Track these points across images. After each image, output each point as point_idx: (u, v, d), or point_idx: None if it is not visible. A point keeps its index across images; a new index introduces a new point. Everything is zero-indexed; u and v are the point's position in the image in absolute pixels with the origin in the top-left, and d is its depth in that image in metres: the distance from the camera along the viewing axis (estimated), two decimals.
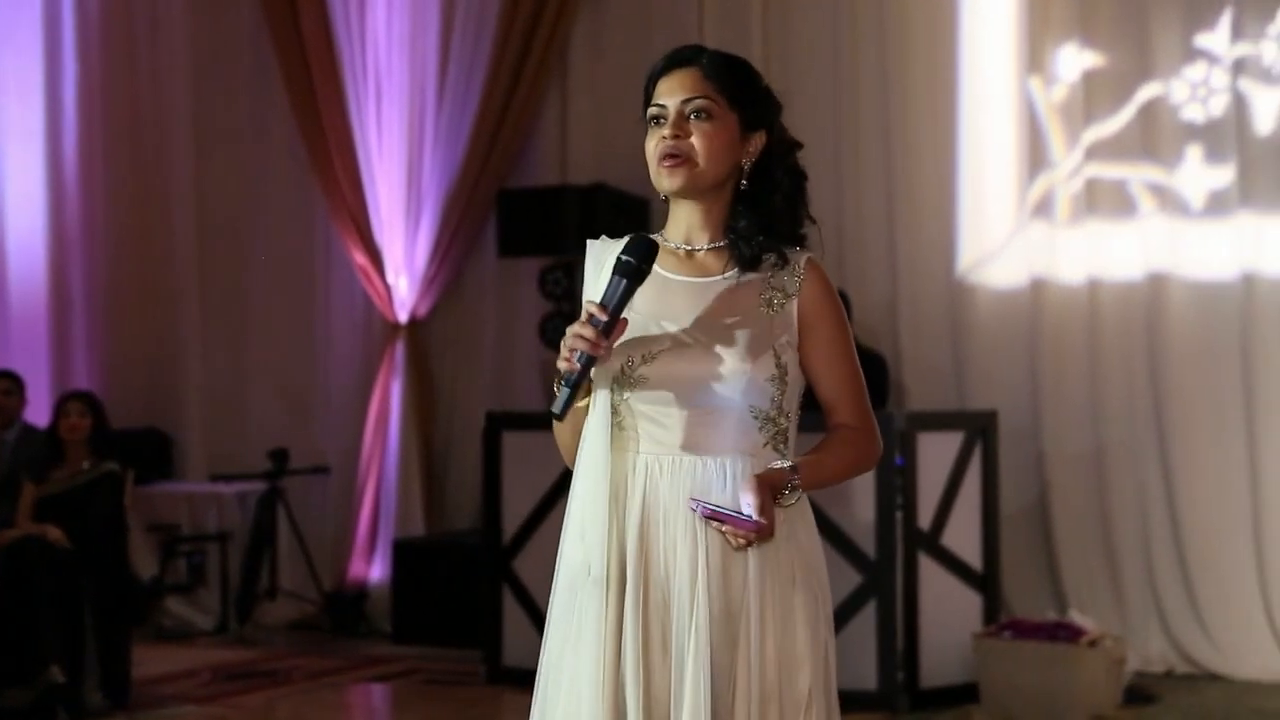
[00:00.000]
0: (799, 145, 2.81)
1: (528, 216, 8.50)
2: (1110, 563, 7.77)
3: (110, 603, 6.88)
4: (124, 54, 9.92)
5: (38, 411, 8.29)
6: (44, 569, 6.63)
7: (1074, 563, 7.82)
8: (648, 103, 2.74)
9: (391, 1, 9.30)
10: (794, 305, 2.73)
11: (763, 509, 2.57)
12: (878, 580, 6.64)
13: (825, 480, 2.75)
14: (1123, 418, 7.79)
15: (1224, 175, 7.63)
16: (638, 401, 2.66)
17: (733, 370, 2.64)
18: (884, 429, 6.55)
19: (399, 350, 9.24)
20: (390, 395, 9.23)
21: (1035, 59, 8.00)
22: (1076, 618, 6.82)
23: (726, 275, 2.73)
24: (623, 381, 2.65)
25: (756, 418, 2.67)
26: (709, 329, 2.66)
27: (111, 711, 6.76)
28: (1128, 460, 7.77)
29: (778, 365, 2.68)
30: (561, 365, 2.58)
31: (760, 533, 2.58)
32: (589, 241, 2.84)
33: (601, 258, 2.77)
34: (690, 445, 2.65)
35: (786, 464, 2.65)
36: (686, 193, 2.72)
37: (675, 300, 2.68)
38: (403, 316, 9.24)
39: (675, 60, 2.73)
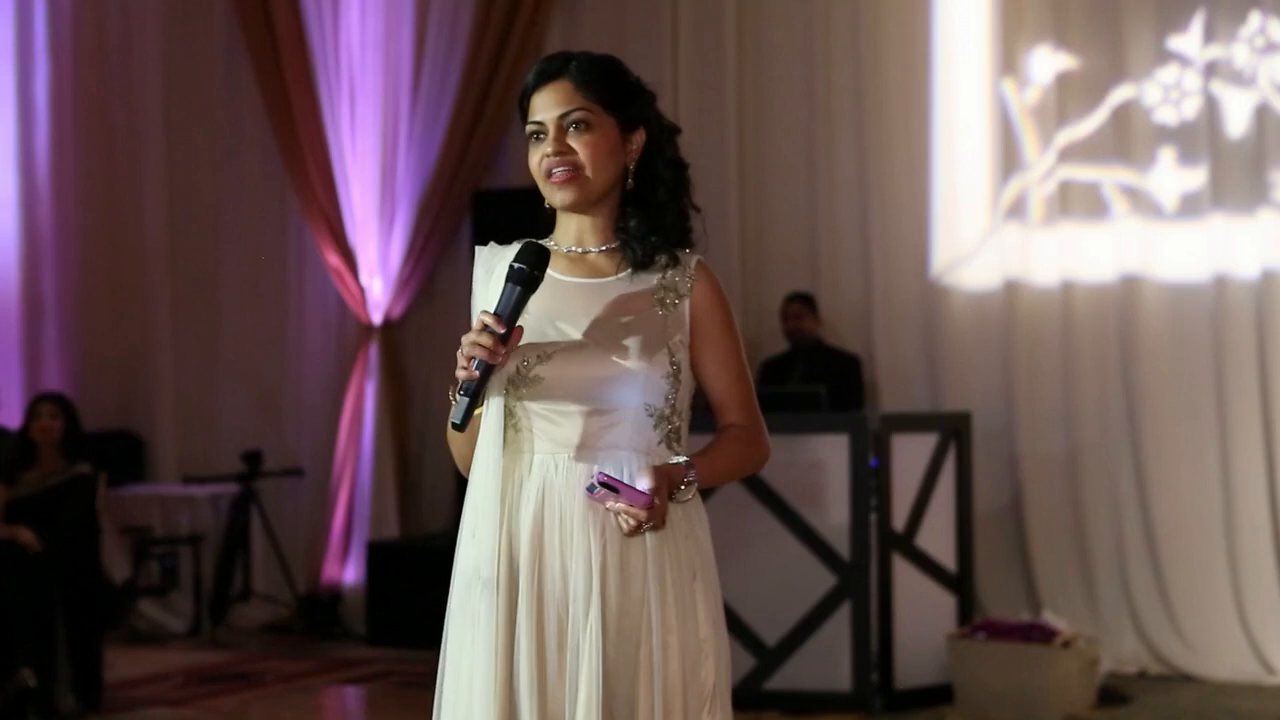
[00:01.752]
0: (677, 130, 2.83)
1: (502, 218, 8.46)
2: (1084, 564, 7.79)
3: (82, 605, 6.84)
4: (96, 55, 9.88)
5: (9, 413, 8.25)
6: (15, 572, 6.60)
7: (1048, 564, 7.84)
8: (523, 117, 2.77)
9: (365, 2, 9.29)
10: (686, 305, 2.75)
11: (657, 493, 2.59)
12: (852, 582, 6.65)
13: (719, 477, 2.78)
14: (1096, 419, 7.82)
15: (1196, 177, 7.67)
16: (533, 402, 2.67)
17: (628, 369, 2.66)
18: (858, 431, 6.64)
19: (373, 352, 9.22)
20: (364, 397, 9.21)
21: (1008, 61, 8.02)
22: (1050, 618, 6.83)
23: (619, 276, 2.75)
24: (518, 382, 2.66)
25: (651, 415, 2.69)
26: (604, 329, 2.68)
27: (83, 715, 6.72)
28: (1101, 461, 7.80)
29: (671, 363, 2.70)
30: (460, 374, 2.60)
31: (651, 514, 2.59)
32: (478, 248, 2.87)
33: (491, 264, 2.81)
34: (586, 444, 2.66)
35: (683, 459, 2.68)
36: (579, 205, 2.76)
37: (570, 301, 2.70)
38: (377, 318, 9.23)
39: (544, 74, 2.75)
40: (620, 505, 2.58)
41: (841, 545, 6.66)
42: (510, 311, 2.61)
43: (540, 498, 2.66)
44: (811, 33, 8.39)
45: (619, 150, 2.74)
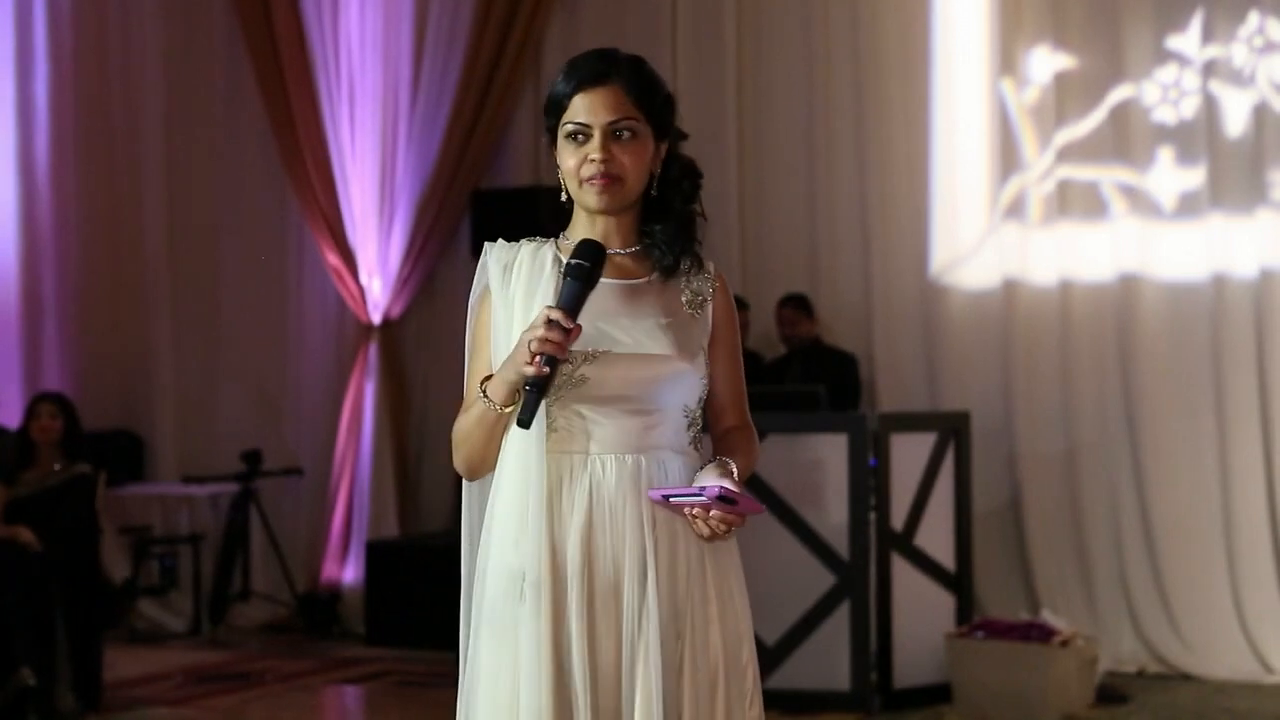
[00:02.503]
0: (684, 136, 2.84)
1: (502, 217, 8.48)
2: (1082, 563, 7.80)
3: (82, 605, 6.84)
4: (96, 55, 9.87)
5: (9, 413, 8.25)
6: (15, 572, 6.60)
7: (1046, 563, 7.85)
8: (557, 112, 2.73)
9: (365, 2, 9.29)
10: (709, 310, 2.79)
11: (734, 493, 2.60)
12: (851, 581, 6.65)
13: (741, 480, 2.79)
14: (1094, 418, 7.82)
15: (1195, 177, 7.67)
16: (577, 401, 2.67)
17: (676, 370, 2.69)
18: (857, 430, 6.65)
19: (372, 351, 9.22)
20: (363, 396, 9.21)
21: (1007, 61, 8.03)
22: (1048, 618, 6.84)
23: (650, 279, 2.77)
24: (562, 383, 2.64)
25: (686, 416, 2.73)
26: (647, 330, 2.70)
27: (83, 714, 6.72)
28: (1099, 460, 7.81)
29: (706, 366, 2.75)
30: (528, 371, 2.56)
31: (726, 507, 2.58)
32: (487, 244, 2.85)
33: (507, 259, 2.79)
34: (631, 445, 2.67)
35: (730, 462, 2.69)
36: (614, 210, 2.75)
37: (608, 302, 2.69)
38: (376, 317, 9.23)
39: (593, 76, 2.71)
40: (718, 513, 2.58)
41: (840, 545, 6.67)
42: (573, 306, 2.59)
43: (589, 499, 2.66)
44: (811, 32, 8.40)
45: (653, 159, 2.75)
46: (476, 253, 2.94)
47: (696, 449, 2.76)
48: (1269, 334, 7.49)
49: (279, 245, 9.64)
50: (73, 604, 6.77)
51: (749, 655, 2.75)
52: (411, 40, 9.14)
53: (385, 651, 8.19)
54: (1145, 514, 7.66)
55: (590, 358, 2.65)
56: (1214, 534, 7.53)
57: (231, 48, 9.67)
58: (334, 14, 9.32)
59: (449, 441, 2.88)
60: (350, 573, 9.08)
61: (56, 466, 7.02)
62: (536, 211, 8.31)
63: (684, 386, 2.70)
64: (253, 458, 9.09)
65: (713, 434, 2.84)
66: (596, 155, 2.68)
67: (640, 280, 2.76)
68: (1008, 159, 8.05)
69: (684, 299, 2.76)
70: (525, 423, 2.57)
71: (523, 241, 2.81)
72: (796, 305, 8.07)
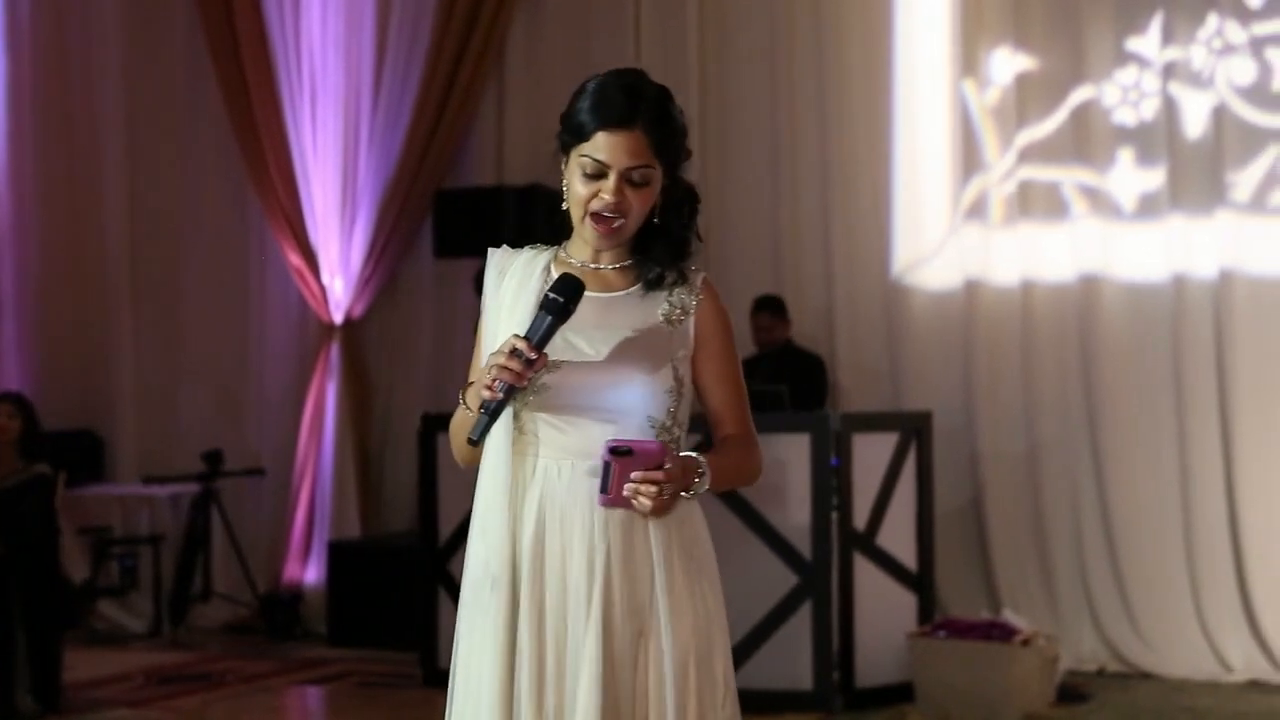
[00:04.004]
0: (689, 154, 2.88)
1: (464, 217, 8.48)
2: (1043, 562, 7.83)
3: (41, 606, 6.80)
4: (55, 51, 9.82)
5: None
6: None
7: (1007, 562, 7.88)
8: (576, 135, 2.76)
9: (326, 2, 9.26)
10: (691, 322, 2.82)
11: (670, 458, 2.64)
12: (813, 581, 6.66)
13: (725, 479, 2.83)
14: (1056, 418, 7.86)
15: (1155, 178, 7.71)
16: (540, 408, 2.74)
17: (633, 382, 2.73)
18: (819, 430, 6.66)
19: (334, 351, 9.19)
20: (325, 397, 9.18)
21: (969, 62, 8.06)
22: (1010, 617, 6.87)
23: (630, 291, 2.83)
24: (526, 390, 2.71)
25: (653, 426, 2.76)
26: (613, 342, 2.76)
27: (42, 716, 6.69)
28: (1061, 460, 7.84)
29: (675, 378, 2.78)
30: (485, 394, 2.66)
31: (669, 474, 2.62)
32: (491, 250, 2.93)
33: (504, 266, 2.89)
34: (588, 452, 2.72)
35: (700, 456, 2.73)
36: (613, 245, 2.82)
37: (581, 313, 2.73)
38: (338, 317, 9.20)
39: (619, 119, 2.73)
40: (637, 474, 2.62)
41: (803, 544, 6.68)
42: (540, 339, 2.67)
43: (540, 502, 2.73)
44: (774, 34, 8.41)
45: (657, 194, 2.80)
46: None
47: None
48: (1228, 334, 7.53)
49: (240, 244, 9.60)
50: (31, 605, 6.73)
51: (722, 656, 2.78)
52: (374, 39, 9.11)
53: (347, 652, 8.17)
54: (1106, 513, 7.70)
55: (554, 366, 2.71)
56: (1174, 533, 7.57)
57: (192, 47, 9.62)
58: (295, 13, 9.28)
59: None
60: (312, 573, 9.05)
61: (15, 466, 6.97)
62: (499, 212, 8.31)
63: (643, 396, 2.74)
64: (214, 458, 9.05)
65: (714, 444, 2.87)
66: (609, 196, 2.74)
67: (620, 293, 2.82)
68: (969, 160, 8.07)
69: (662, 311, 2.80)
70: (473, 441, 2.69)
71: (525, 249, 2.88)
72: (772, 310, 8.05)
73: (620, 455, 2.62)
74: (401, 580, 7.97)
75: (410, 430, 8.00)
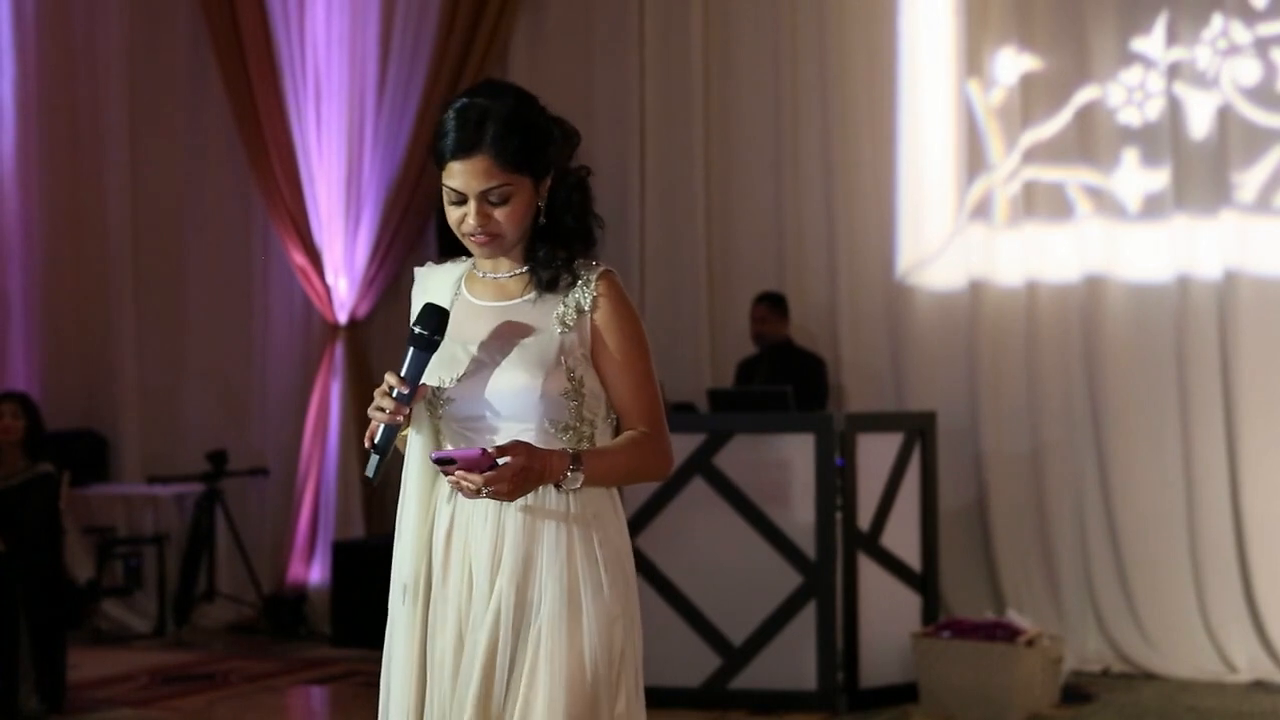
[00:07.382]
0: (578, 137, 2.92)
1: None
2: (1047, 562, 7.83)
3: (45, 606, 6.81)
4: (61, 53, 9.83)
5: None
6: None
7: (1012, 562, 7.88)
8: (438, 162, 2.81)
9: (331, 1, 9.26)
10: (588, 320, 2.85)
11: (511, 453, 2.68)
12: (817, 581, 6.66)
13: (611, 472, 2.84)
14: (1060, 418, 7.85)
15: (1159, 178, 7.71)
16: (450, 419, 2.84)
17: (526, 387, 2.78)
18: (824, 430, 6.66)
19: (338, 351, 9.20)
20: (330, 396, 9.19)
21: (973, 62, 8.05)
22: (1014, 617, 6.86)
23: (525, 298, 2.87)
24: (435, 402, 2.83)
25: (554, 427, 2.80)
26: (505, 349, 2.82)
27: (47, 715, 6.69)
28: (1065, 460, 7.84)
29: (570, 380, 2.81)
30: (368, 434, 2.79)
31: (493, 478, 2.67)
32: (416, 269, 3.01)
33: (426, 283, 2.95)
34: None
35: (567, 450, 2.77)
36: (498, 256, 2.88)
37: (479, 324, 2.84)
38: (342, 317, 9.21)
39: (461, 146, 2.77)
40: (460, 472, 2.69)
41: (807, 544, 6.68)
42: (412, 374, 2.77)
43: (453, 506, 2.82)
44: (778, 34, 8.41)
45: (534, 201, 2.83)
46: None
47: None
48: (1232, 335, 7.53)
49: (245, 245, 9.61)
50: (36, 605, 6.73)
51: (621, 649, 2.81)
52: (378, 38, 9.12)
53: (351, 652, 8.17)
54: (1110, 514, 7.70)
55: (455, 379, 2.81)
56: (1178, 533, 7.57)
57: (196, 46, 9.63)
58: (300, 12, 9.28)
59: None
60: (316, 573, 9.05)
61: (19, 466, 6.97)
62: None
63: (539, 402, 2.78)
64: (218, 458, 9.06)
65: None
66: (473, 220, 2.80)
67: (515, 301, 2.87)
68: (974, 160, 8.07)
69: (557, 314, 2.84)
70: (372, 480, 2.81)
71: (448, 263, 2.96)
72: (771, 303, 8.04)
73: (444, 464, 2.70)
74: None
75: None
